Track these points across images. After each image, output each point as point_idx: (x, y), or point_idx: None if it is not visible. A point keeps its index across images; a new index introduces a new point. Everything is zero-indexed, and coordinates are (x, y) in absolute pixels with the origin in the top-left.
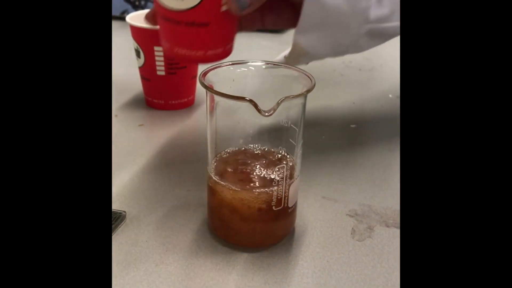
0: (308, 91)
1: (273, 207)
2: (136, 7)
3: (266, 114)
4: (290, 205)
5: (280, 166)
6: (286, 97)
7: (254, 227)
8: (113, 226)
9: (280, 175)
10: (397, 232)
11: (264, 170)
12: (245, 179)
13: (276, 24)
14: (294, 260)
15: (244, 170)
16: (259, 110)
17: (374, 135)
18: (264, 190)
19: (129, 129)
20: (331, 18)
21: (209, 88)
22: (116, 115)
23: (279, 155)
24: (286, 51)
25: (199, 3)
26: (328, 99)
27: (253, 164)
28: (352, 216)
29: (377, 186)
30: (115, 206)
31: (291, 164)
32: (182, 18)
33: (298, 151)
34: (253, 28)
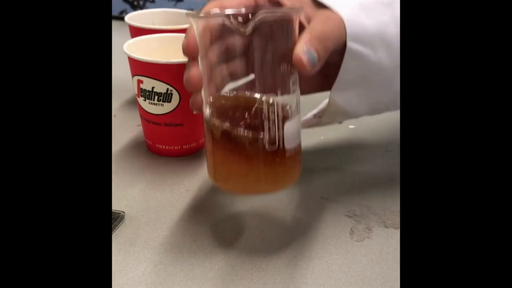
0: (293, 10)
1: (266, 147)
2: (135, 7)
3: (245, 31)
4: (287, 147)
5: (271, 103)
6: (265, 11)
7: (250, 169)
8: (112, 226)
9: (272, 112)
10: (395, 233)
11: (258, 110)
12: (238, 119)
13: (305, 91)
14: (293, 260)
15: (237, 111)
16: (237, 27)
17: (373, 136)
18: (255, 128)
19: (128, 129)
20: (373, 73)
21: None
22: (115, 115)
23: (273, 97)
24: (315, 110)
25: (175, 109)
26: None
27: (246, 105)
28: (350, 217)
29: (376, 187)
30: (114, 206)
31: (285, 103)
32: (161, 120)
33: (295, 89)
34: None
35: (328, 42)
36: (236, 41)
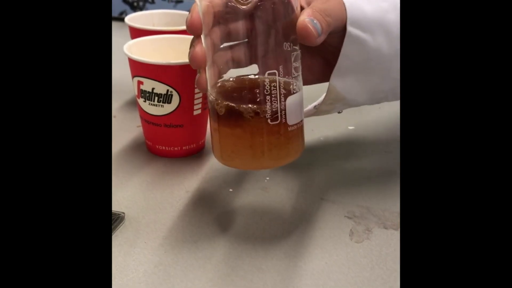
0: None
1: (269, 121)
2: (135, 8)
3: (244, 6)
4: (290, 122)
5: (273, 79)
6: None
7: (254, 143)
8: (112, 227)
9: (274, 87)
10: (395, 234)
11: (260, 86)
12: (242, 95)
13: (307, 81)
14: (293, 261)
15: (241, 88)
16: (236, 2)
17: (372, 137)
18: (258, 103)
19: (128, 130)
20: (372, 59)
21: None
22: (115, 116)
23: (275, 74)
24: (316, 102)
25: (175, 110)
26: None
27: (249, 83)
28: (350, 218)
29: (375, 188)
30: (114, 207)
31: (287, 80)
32: (161, 122)
33: (297, 66)
34: None
35: (330, 17)
36: (239, 19)
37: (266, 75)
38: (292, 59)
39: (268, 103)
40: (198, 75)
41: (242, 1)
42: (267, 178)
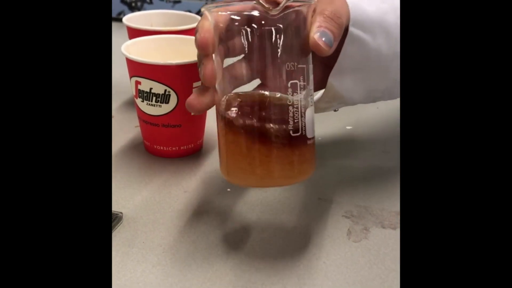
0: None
1: (291, 132)
2: (133, 9)
3: (274, 13)
4: (308, 135)
5: (294, 89)
6: None
7: (273, 159)
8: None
9: (296, 100)
10: (393, 233)
11: (276, 101)
12: (257, 111)
13: None
14: (291, 261)
15: (255, 104)
16: (266, 8)
17: (370, 136)
18: (281, 114)
19: (126, 130)
20: (371, 60)
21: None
22: (113, 116)
23: (295, 84)
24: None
25: (172, 110)
26: None
27: (262, 98)
28: (348, 217)
29: (373, 188)
30: (112, 207)
31: (303, 92)
32: (159, 122)
33: (311, 79)
34: None
35: (341, 18)
36: (250, 36)
37: (288, 88)
38: (310, 72)
39: (291, 118)
40: (193, 96)
41: (270, 8)
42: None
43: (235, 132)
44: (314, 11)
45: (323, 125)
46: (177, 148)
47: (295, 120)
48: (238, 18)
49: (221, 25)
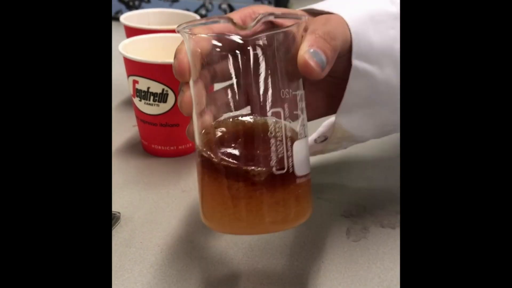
0: (298, 17)
1: (274, 170)
2: (130, 7)
3: (245, 31)
4: (298, 173)
5: (275, 123)
6: (267, 14)
7: (254, 199)
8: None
9: (279, 129)
10: (392, 233)
11: (259, 133)
12: (238, 145)
13: (308, 117)
14: (289, 261)
15: (235, 137)
16: (238, 27)
17: None
18: (262, 148)
19: (124, 130)
20: (380, 93)
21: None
22: None
23: (276, 118)
24: (315, 134)
25: (170, 109)
26: None
27: (245, 129)
28: (347, 217)
29: (372, 187)
30: None
31: (291, 123)
32: (157, 121)
33: (302, 107)
34: None
35: (335, 40)
36: (232, 59)
37: (269, 116)
38: (297, 100)
39: (273, 150)
40: (190, 124)
41: (242, 26)
42: None
43: (212, 171)
44: (305, 30)
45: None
46: (175, 147)
47: (279, 155)
48: (216, 42)
49: (199, 49)
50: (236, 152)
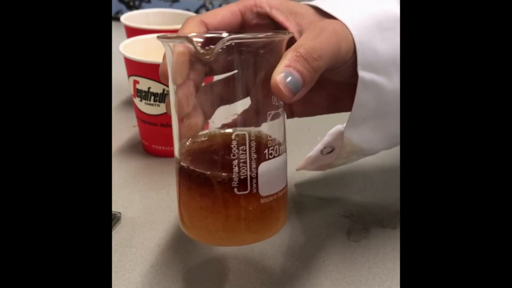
0: (272, 36)
1: (235, 190)
2: (131, 7)
3: (206, 57)
4: (262, 193)
5: (241, 140)
6: (234, 37)
7: (219, 217)
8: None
9: (242, 149)
10: (392, 233)
11: (228, 149)
12: (207, 159)
13: (306, 113)
14: (290, 261)
15: (207, 150)
16: (197, 51)
17: None
18: (226, 168)
19: (124, 130)
20: (390, 104)
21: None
22: None
23: (247, 133)
24: (321, 145)
25: None
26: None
27: (217, 144)
28: (347, 217)
29: (373, 187)
30: None
31: (263, 140)
32: (157, 121)
33: (277, 124)
34: None
35: (318, 61)
36: (207, 70)
37: (233, 135)
38: (269, 118)
39: (235, 168)
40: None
41: (205, 52)
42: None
43: (185, 180)
44: (300, 34)
45: (322, 124)
46: None
47: (241, 177)
48: (186, 57)
49: (179, 57)
50: (203, 167)
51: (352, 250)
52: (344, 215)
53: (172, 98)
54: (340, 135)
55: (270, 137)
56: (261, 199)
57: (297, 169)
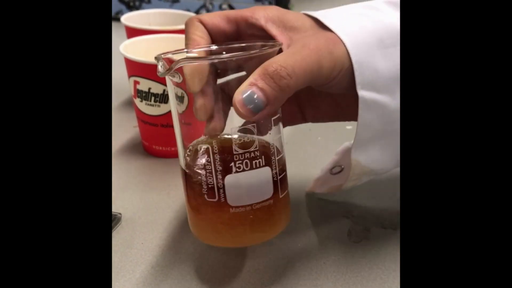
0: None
1: (205, 196)
2: (131, 8)
3: (160, 74)
4: (232, 203)
5: (204, 153)
6: (186, 58)
7: (200, 218)
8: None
9: (208, 163)
10: (393, 234)
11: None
12: (196, 162)
13: (316, 118)
14: (291, 262)
15: (198, 154)
16: (159, 71)
17: None
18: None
19: (124, 130)
20: (395, 122)
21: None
22: None
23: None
24: (329, 165)
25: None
26: None
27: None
28: (348, 218)
29: (373, 188)
30: None
31: (247, 155)
32: (158, 122)
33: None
34: (294, 123)
35: (288, 79)
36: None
37: (205, 146)
38: (255, 129)
39: (203, 181)
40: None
41: (161, 72)
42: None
43: (185, 182)
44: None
45: (323, 124)
46: (176, 148)
47: (209, 185)
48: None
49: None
50: (192, 173)
51: (352, 250)
52: (345, 216)
53: (173, 103)
54: (348, 153)
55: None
56: (231, 209)
57: (307, 191)
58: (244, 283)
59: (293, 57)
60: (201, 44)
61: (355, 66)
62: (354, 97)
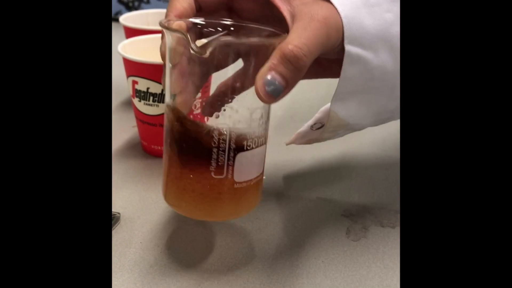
0: (263, 41)
1: (212, 174)
2: (130, 8)
3: (197, 50)
4: (237, 179)
5: (224, 131)
6: (227, 40)
7: (196, 193)
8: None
9: (223, 141)
10: (392, 232)
11: (211, 136)
12: (190, 145)
13: None
14: (289, 260)
15: (197, 132)
16: (192, 49)
17: (369, 135)
18: (206, 153)
19: (123, 131)
20: (376, 79)
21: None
22: None
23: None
24: (311, 121)
25: None
26: (323, 99)
27: (207, 129)
28: (347, 216)
29: (372, 186)
30: None
31: (243, 133)
32: (156, 121)
33: (259, 118)
34: None
35: (303, 59)
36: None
37: (221, 127)
38: (251, 114)
39: (214, 158)
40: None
41: (199, 51)
42: (264, 177)
43: (173, 156)
44: (292, 17)
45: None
46: None
47: (219, 163)
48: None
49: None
50: (186, 151)
51: (351, 249)
52: (344, 215)
53: (167, 76)
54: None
55: (254, 127)
56: (235, 184)
57: (287, 144)
58: (243, 282)
59: (305, 34)
60: (183, 15)
61: (344, 21)
62: (337, 54)
